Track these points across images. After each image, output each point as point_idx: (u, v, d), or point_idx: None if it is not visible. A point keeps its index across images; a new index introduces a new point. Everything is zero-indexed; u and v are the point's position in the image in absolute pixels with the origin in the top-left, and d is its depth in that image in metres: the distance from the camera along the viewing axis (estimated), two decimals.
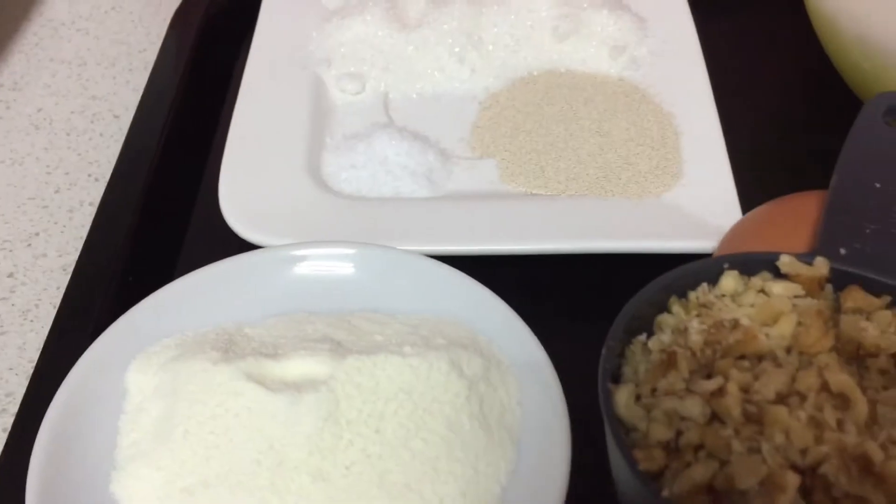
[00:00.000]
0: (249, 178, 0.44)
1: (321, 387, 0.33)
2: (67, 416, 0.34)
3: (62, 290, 0.43)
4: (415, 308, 0.38)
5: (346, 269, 0.39)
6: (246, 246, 0.41)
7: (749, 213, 0.39)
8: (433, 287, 0.39)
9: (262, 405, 0.33)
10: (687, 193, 0.43)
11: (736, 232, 0.38)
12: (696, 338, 0.28)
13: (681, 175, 0.44)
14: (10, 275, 0.44)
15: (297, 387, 0.33)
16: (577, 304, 0.42)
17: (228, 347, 0.35)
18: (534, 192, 0.44)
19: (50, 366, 0.37)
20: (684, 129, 0.46)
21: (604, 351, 0.28)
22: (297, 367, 0.34)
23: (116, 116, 0.53)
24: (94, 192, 0.48)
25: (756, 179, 0.43)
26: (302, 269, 0.39)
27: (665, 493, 0.25)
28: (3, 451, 0.35)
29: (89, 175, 0.50)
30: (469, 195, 0.44)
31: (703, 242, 0.40)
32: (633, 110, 0.47)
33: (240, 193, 0.43)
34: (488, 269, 0.39)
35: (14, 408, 0.39)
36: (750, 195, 0.42)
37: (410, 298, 0.39)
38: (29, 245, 0.46)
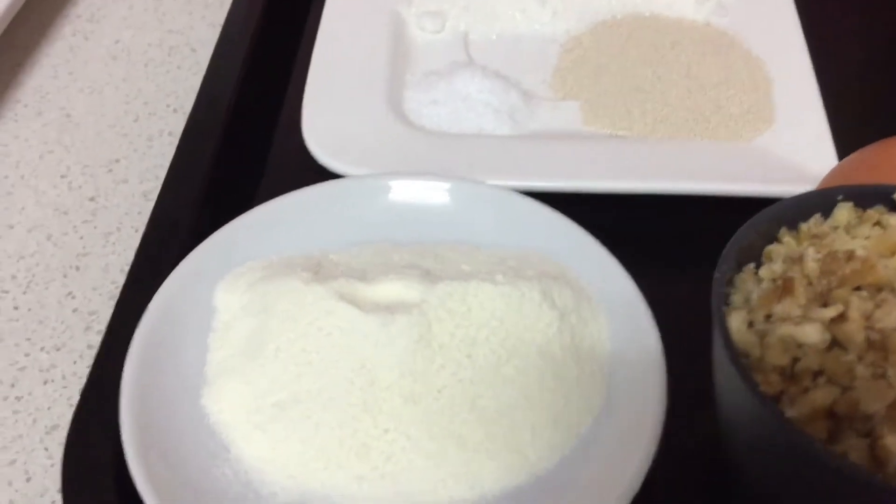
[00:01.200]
0: (332, 110, 0.44)
1: (413, 310, 0.33)
2: (157, 333, 0.34)
3: (144, 216, 0.43)
4: (501, 241, 0.38)
5: (432, 200, 0.39)
6: (325, 177, 0.41)
7: (847, 158, 0.38)
8: (520, 221, 0.38)
9: (354, 325, 0.32)
10: (780, 139, 0.42)
11: (835, 175, 0.37)
12: (812, 265, 0.27)
13: (773, 120, 0.43)
14: (92, 198, 0.45)
15: (389, 309, 0.33)
16: (660, 246, 0.41)
17: (318, 270, 0.35)
18: (619, 133, 0.43)
19: (136, 286, 0.37)
20: (775, 76, 0.45)
21: (716, 275, 0.27)
22: (389, 290, 0.34)
23: (193, 50, 0.53)
24: (173, 122, 0.48)
25: (850, 125, 0.42)
26: (387, 199, 0.39)
27: (788, 414, 0.24)
28: (94, 366, 0.35)
29: (167, 105, 0.50)
30: (554, 134, 0.43)
31: (797, 187, 0.38)
32: (722, 55, 0.46)
33: (323, 125, 0.43)
34: (570, 210, 0.38)
35: (98, 325, 0.39)
36: (844, 141, 0.41)
37: (497, 232, 0.38)
38: (110, 171, 0.46)
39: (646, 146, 0.42)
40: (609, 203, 0.41)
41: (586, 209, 0.39)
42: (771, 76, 0.45)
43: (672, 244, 0.41)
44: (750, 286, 0.28)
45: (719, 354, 0.27)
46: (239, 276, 0.36)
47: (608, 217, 0.40)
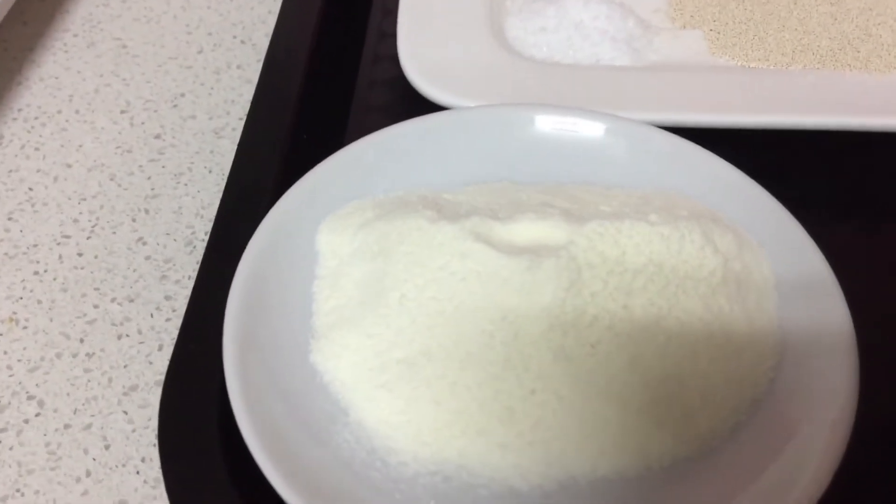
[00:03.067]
0: (431, 39, 0.39)
1: (561, 252, 0.28)
2: (257, 283, 0.29)
3: (216, 155, 0.39)
4: (636, 182, 0.33)
5: (554, 135, 0.34)
6: (420, 111, 0.36)
7: None
8: (661, 158, 0.33)
9: (493, 269, 0.28)
10: None
11: None
12: None
13: None
14: (157, 136, 0.40)
15: (531, 251, 0.28)
16: (814, 186, 0.36)
17: (439, 208, 0.31)
18: (752, 65, 0.38)
19: (225, 230, 0.32)
20: None
21: None
22: (529, 230, 0.29)
23: None
24: (241, 55, 0.44)
25: None
26: (504, 132, 0.34)
27: None
28: (185, 322, 0.30)
29: (234, 37, 0.45)
30: (680, 65, 0.39)
31: None
32: None
33: (422, 55, 0.38)
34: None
35: (175, 274, 0.35)
36: None
37: (631, 171, 0.33)
38: (175, 106, 0.41)
39: (789, 78, 0.37)
40: (745, 138, 0.36)
41: (717, 146, 0.34)
42: None
43: (828, 183, 0.36)
44: None
45: None
46: (345, 216, 0.31)
47: (745, 156, 0.36)
